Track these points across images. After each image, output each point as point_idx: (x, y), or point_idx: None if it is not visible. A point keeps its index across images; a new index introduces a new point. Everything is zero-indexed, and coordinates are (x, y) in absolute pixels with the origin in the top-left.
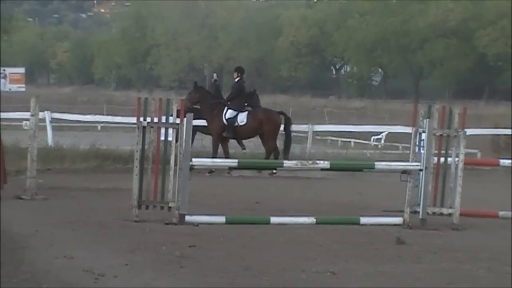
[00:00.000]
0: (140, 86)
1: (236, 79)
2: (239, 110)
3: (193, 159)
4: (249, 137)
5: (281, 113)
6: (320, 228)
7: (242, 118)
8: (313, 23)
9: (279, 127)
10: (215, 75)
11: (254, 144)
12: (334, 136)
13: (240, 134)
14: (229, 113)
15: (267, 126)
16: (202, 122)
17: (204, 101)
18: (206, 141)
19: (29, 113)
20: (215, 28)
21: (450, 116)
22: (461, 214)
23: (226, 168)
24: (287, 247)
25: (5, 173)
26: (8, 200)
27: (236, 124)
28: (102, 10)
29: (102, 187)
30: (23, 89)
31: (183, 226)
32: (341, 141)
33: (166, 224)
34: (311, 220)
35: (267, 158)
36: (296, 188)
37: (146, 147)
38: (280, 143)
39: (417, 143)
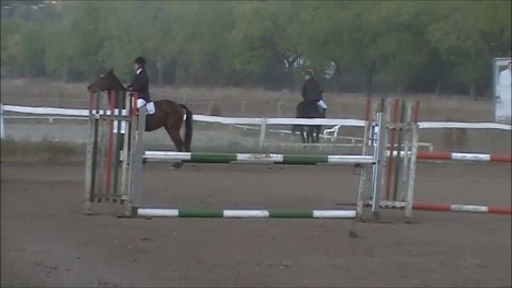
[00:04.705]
0: (92, 78)
1: (138, 70)
2: (148, 100)
3: (146, 152)
4: (155, 128)
5: (183, 106)
6: (273, 222)
7: (150, 107)
8: (266, 16)
9: (182, 118)
10: (311, 71)
11: (207, 137)
12: (287, 129)
13: (148, 124)
14: (139, 103)
15: (172, 117)
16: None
17: (113, 89)
18: (159, 133)
19: None
20: (168, 21)
21: (403, 109)
22: (413, 208)
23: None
24: (240, 240)
25: None
26: None
27: (146, 113)
28: (54, 2)
29: (55, 180)
30: None
31: (136, 219)
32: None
33: (119, 217)
34: (264, 213)
35: (180, 149)
36: (249, 181)
37: (98, 140)
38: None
39: (370, 137)
